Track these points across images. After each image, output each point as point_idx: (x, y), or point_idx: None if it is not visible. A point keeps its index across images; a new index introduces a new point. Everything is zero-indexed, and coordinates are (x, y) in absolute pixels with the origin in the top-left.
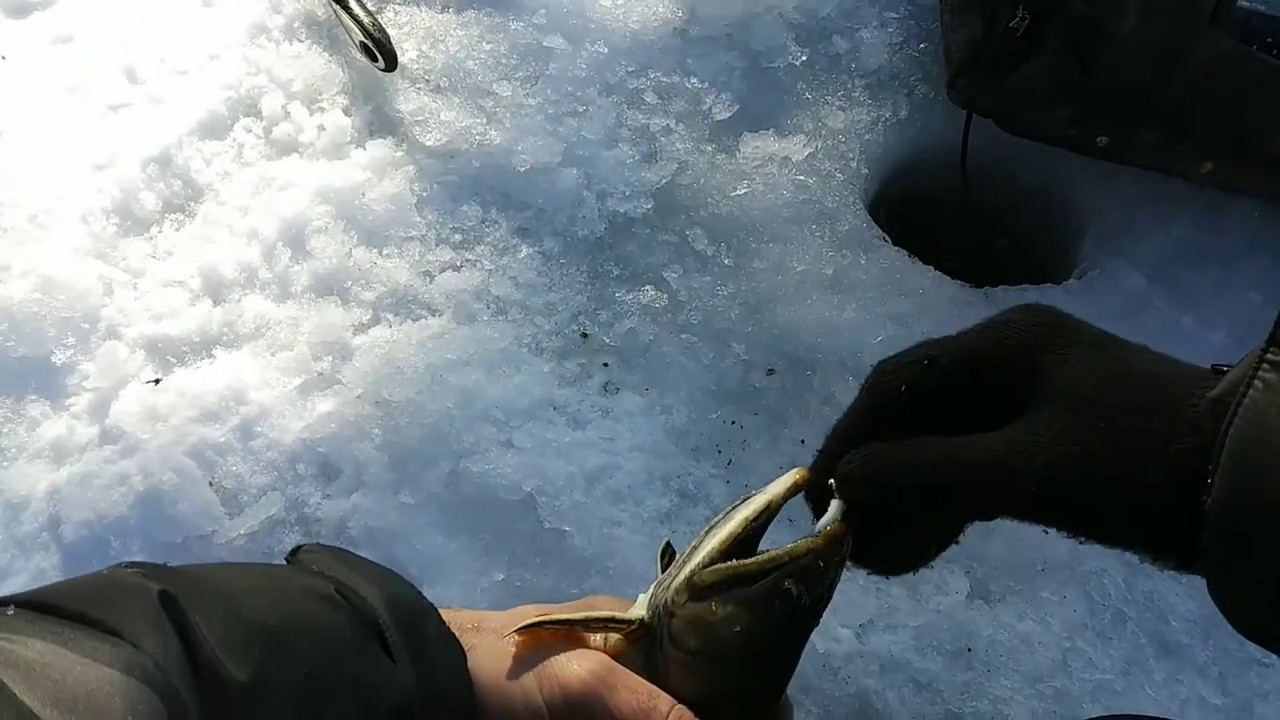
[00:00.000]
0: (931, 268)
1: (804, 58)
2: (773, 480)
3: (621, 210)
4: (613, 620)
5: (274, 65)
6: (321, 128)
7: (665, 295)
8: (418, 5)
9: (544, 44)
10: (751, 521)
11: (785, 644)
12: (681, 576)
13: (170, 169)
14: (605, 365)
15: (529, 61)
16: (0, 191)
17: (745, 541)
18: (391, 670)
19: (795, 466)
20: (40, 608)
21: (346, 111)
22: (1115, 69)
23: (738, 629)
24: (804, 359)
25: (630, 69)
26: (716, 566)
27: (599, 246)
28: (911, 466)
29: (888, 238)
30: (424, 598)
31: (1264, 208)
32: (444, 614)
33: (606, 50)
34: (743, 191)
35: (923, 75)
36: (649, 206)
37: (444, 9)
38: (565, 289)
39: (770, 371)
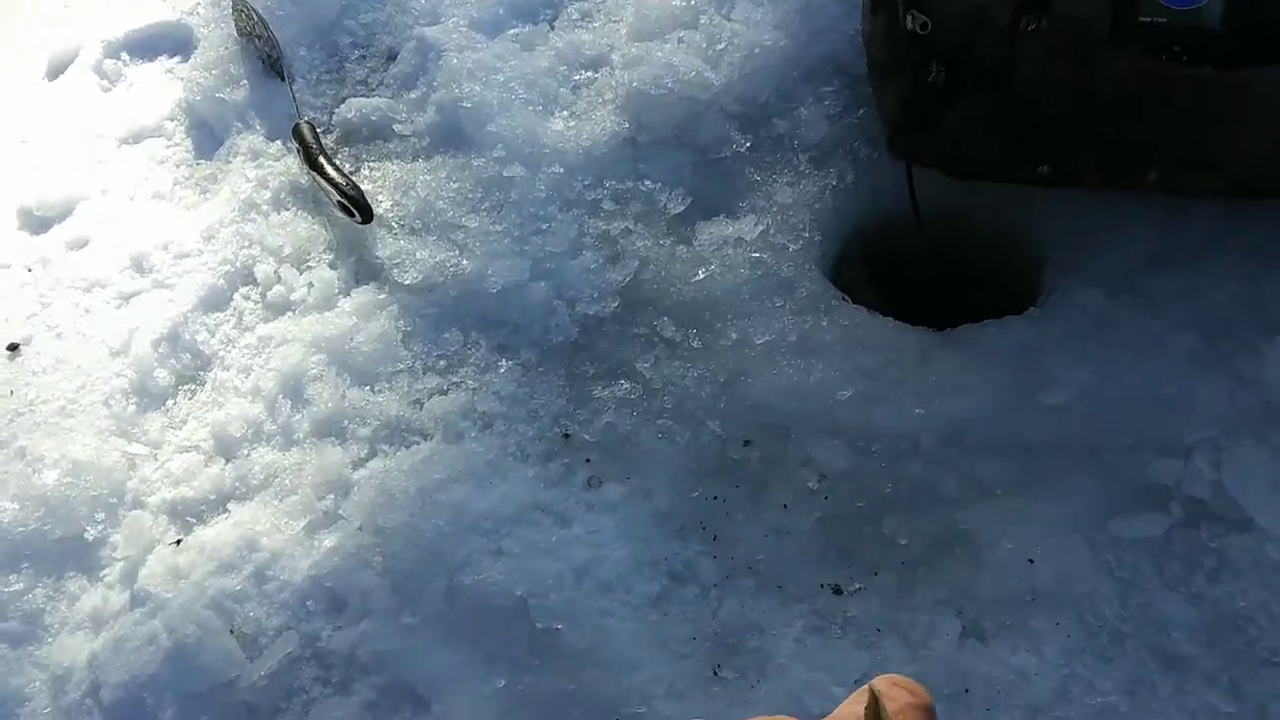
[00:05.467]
0: (891, 319)
1: (748, 144)
2: None
3: (591, 312)
4: None
5: (265, 235)
6: (311, 285)
7: (640, 386)
8: (389, 159)
9: (504, 174)
10: None
11: None
12: None
13: (179, 345)
14: (588, 461)
15: (493, 192)
16: (32, 391)
17: None
18: None
19: None
20: None
21: (332, 266)
22: (1032, 101)
23: None
24: (779, 425)
25: (586, 182)
26: None
27: (574, 350)
28: None
29: (847, 297)
30: None
31: (1221, 206)
32: None
33: (562, 170)
34: (703, 276)
35: (864, 139)
36: (616, 305)
37: (413, 158)
38: (546, 395)
39: (747, 443)
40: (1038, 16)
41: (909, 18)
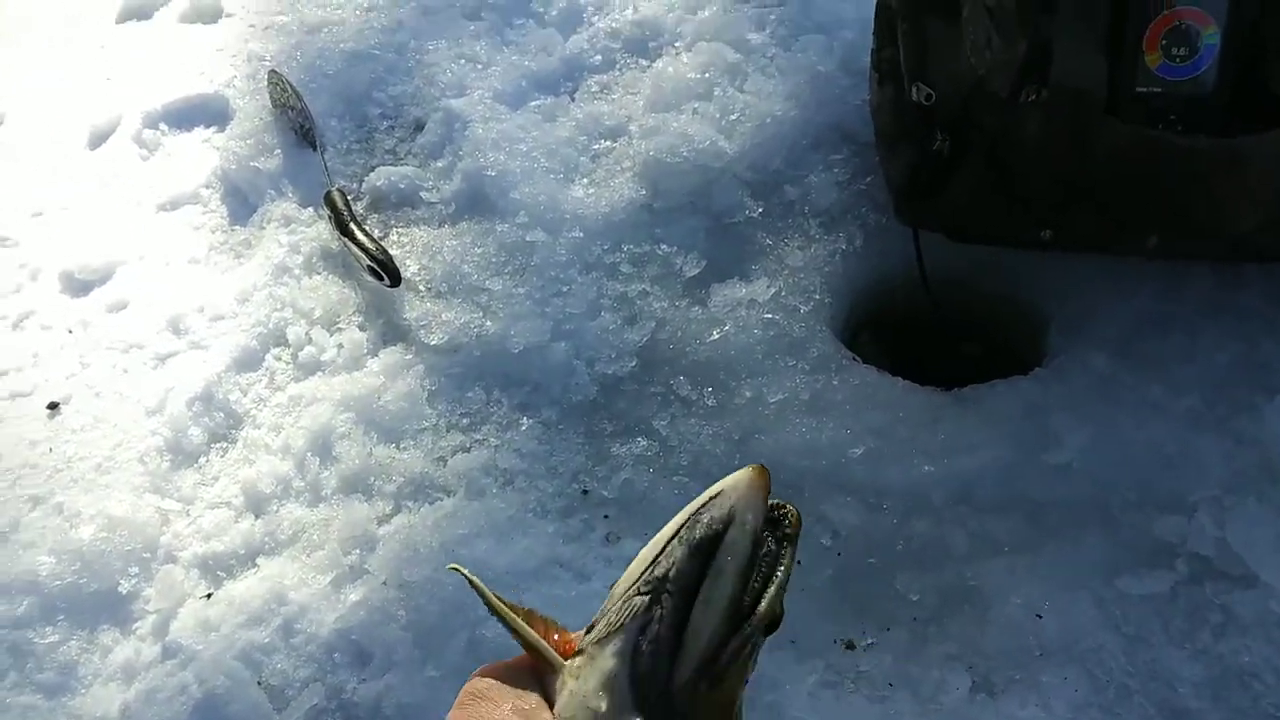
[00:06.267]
0: (900, 379)
1: (760, 209)
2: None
3: (609, 372)
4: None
5: (297, 298)
6: (340, 346)
7: (656, 443)
8: (417, 225)
9: (527, 239)
10: (747, 579)
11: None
12: (690, 668)
13: (213, 404)
14: (606, 517)
15: (516, 256)
16: (70, 448)
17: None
18: None
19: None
20: None
21: (361, 327)
22: (1031, 170)
23: (746, 674)
24: (792, 482)
25: (605, 247)
26: (731, 652)
27: (593, 408)
28: None
29: (857, 357)
30: None
31: (1220, 269)
32: None
33: (582, 234)
34: (717, 337)
35: (873, 205)
36: (634, 365)
37: (440, 224)
38: (565, 452)
39: None
40: (1037, 88)
41: (914, 89)
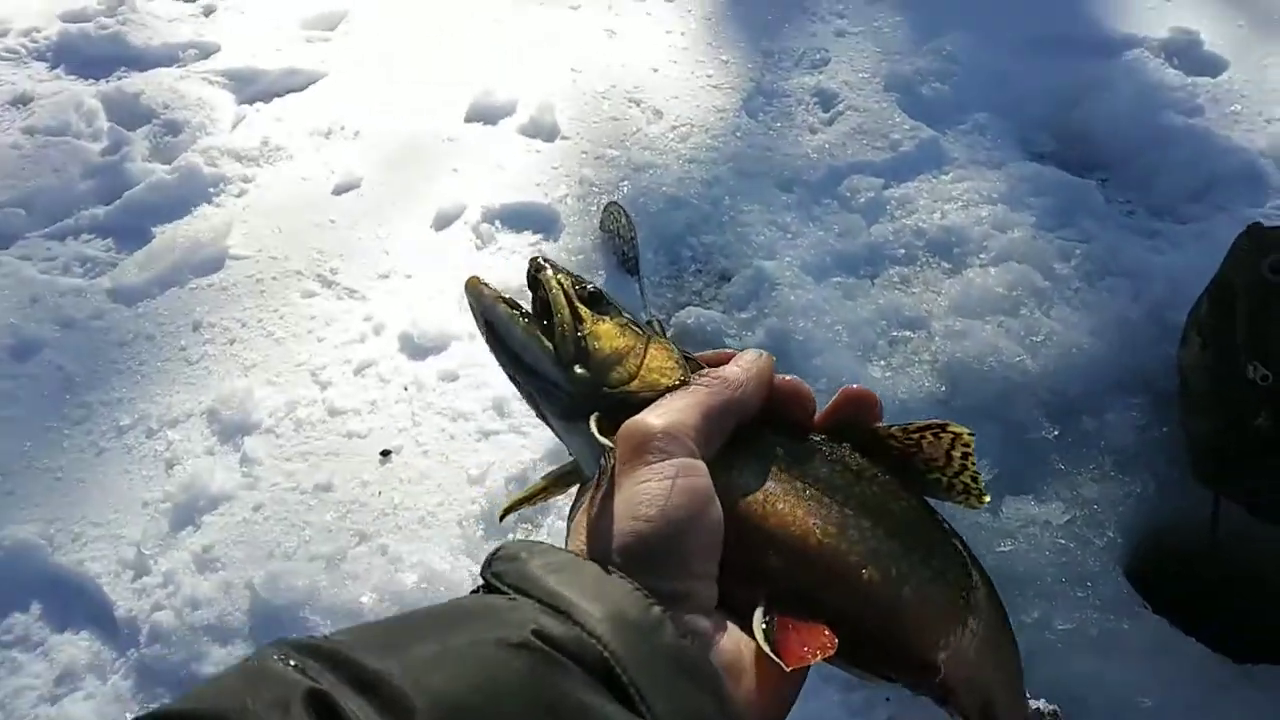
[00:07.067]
0: (1193, 639)
1: (1056, 432)
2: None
3: None
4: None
5: None
6: None
7: None
8: None
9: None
10: (515, 317)
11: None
12: (561, 377)
13: (526, 485)
14: (888, 699)
15: None
16: (397, 496)
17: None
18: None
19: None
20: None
21: None
22: None
23: (614, 328)
24: (1074, 713)
25: None
26: (561, 336)
27: None
28: None
29: (1148, 605)
30: (650, 599)
31: None
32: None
33: None
34: (1007, 548)
35: (1167, 457)
36: None
37: None
38: None
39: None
40: None
41: (1251, 367)
